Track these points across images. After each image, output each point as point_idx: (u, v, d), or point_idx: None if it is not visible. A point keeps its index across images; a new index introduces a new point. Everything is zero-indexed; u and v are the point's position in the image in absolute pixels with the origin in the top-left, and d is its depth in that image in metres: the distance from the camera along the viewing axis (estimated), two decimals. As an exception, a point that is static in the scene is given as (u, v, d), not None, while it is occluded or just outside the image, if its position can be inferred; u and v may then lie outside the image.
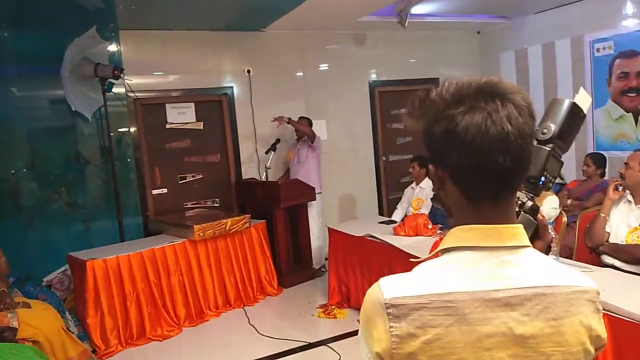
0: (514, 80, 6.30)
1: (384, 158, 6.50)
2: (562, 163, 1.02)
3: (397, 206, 5.07)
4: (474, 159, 0.75)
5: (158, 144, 5.31)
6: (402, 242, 3.59)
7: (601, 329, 0.82)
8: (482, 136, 0.74)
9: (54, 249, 4.36)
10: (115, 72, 4.39)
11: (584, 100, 1.03)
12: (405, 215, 4.58)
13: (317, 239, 5.37)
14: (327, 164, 5.66)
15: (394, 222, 4.31)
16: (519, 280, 0.77)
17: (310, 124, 5.45)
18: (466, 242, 0.79)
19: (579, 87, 1.09)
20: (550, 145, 0.98)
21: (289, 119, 5.22)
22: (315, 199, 5.26)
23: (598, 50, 5.45)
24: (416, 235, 3.77)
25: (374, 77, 6.36)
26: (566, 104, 1.01)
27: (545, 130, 0.98)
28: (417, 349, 0.74)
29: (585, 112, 1.04)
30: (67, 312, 3.91)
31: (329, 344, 3.68)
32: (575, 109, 1.01)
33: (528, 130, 0.76)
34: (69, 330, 3.52)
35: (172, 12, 4.62)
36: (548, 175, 0.99)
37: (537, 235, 0.96)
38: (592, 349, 0.81)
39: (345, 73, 6.12)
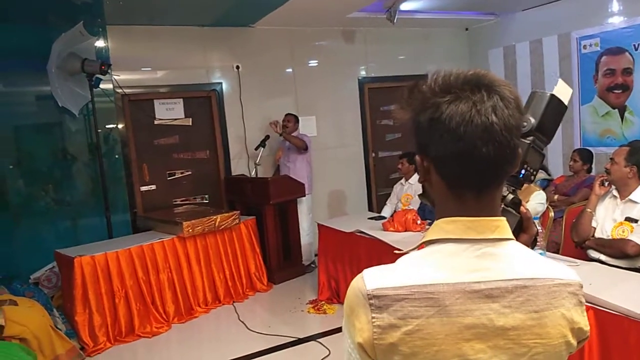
0: (503, 77, 6.31)
1: (373, 154, 6.51)
2: (543, 156, 1.03)
3: (387, 202, 5.09)
4: (457, 148, 0.75)
5: (146, 140, 5.27)
6: (391, 238, 3.60)
7: (583, 322, 0.82)
8: (465, 125, 0.74)
9: (42, 246, 4.32)
10: (103, 67, 4.35)
11: (563, 91, 1.03)
12: (395, 211, 4.60)
13: (307, 235, 5.38)
14: (316, 160, 5.66)
15: (383, 217, 4.32)
16: (500, 272, 0.77)
17: (297, 120, 5.44)
18: (448, 234, 0.79)
19: (563, 80, 1.09)
20: (530, 138, 0.99)
21: (282, 132, 5.25)
22: (305, 195, 5.27)
23: (585, 47, 5.50)
24: (405, 230, 3.78)
25: (363, 73, 6.36)
26: (545, 96, 1.01)
27: (525, 124, 0.98)
28: (398, 340, 0.75)
29: (566, 103, 1.04)
30: (54, 310, 3.88)
31: (318, 340, 3.69)
32: (554, 101, 1.02)
33: (514, 123, 0.76)
34: (57, 328, 3.50)
35: (160, 7, 4.59)
36: (529, 168, 0.99)
37: (521, 229, 0.96)
38: (574, 342, 0.81)
39: (334, 69, 6.12)
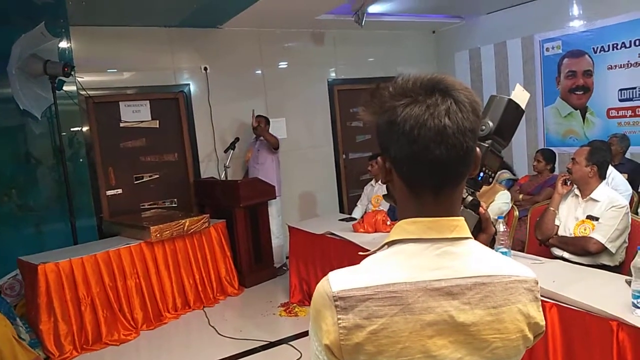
0: (469, 79, 6.47)
1: (343, 156, 6.55)
2: (501, 158, 1.06)
3: (357, 203, 5.12)
4: (412, 150, 0.77)
5: (112, 143, 5.17)
6: (362, 239, 3.61)
7: (539, 317, 0.85)
8: (419, 128, 0.76)
9: (4, 253, 4.19)
10: (66, 69, 4.24)
11: (521, 96, 1.07)
12: (365, 212, 4.62)
13: (277, 238, 5.35)
14: (287, 162, 5.65)
15: (354, 219, 4.34)
16: (459, 270, 0.80)
17: (268, 122, 5.43)
18: (410, 235, 0.81)
19: (528, 85, 1.13)
20: (489, 141, 1.02)
21: (259, 126, 5.22)
22: (275, 197, 5.25)
23: (547, 49, 5.65)
24: (375, 231, 3.80)
25: (332, 75, 6.38)
26: (503, 101, 1.05)
27: (484, 127, 1.01)
28: (363, 340, 0.76)
29: (523, 107, 1.08)
30: (18, 319, 3.77)
31: (290, 343, 3.68)
32: (512, 105, 1.05)
33: (467, 125, 0.78)
34: (20, 338, 3.39)
35: (124, 7, 4.50)
36: (487, 171, 1.02)
37: (480, 229, 0.99)
38: (530, 336, 0.84)
39: (304, 71, 6.13)
